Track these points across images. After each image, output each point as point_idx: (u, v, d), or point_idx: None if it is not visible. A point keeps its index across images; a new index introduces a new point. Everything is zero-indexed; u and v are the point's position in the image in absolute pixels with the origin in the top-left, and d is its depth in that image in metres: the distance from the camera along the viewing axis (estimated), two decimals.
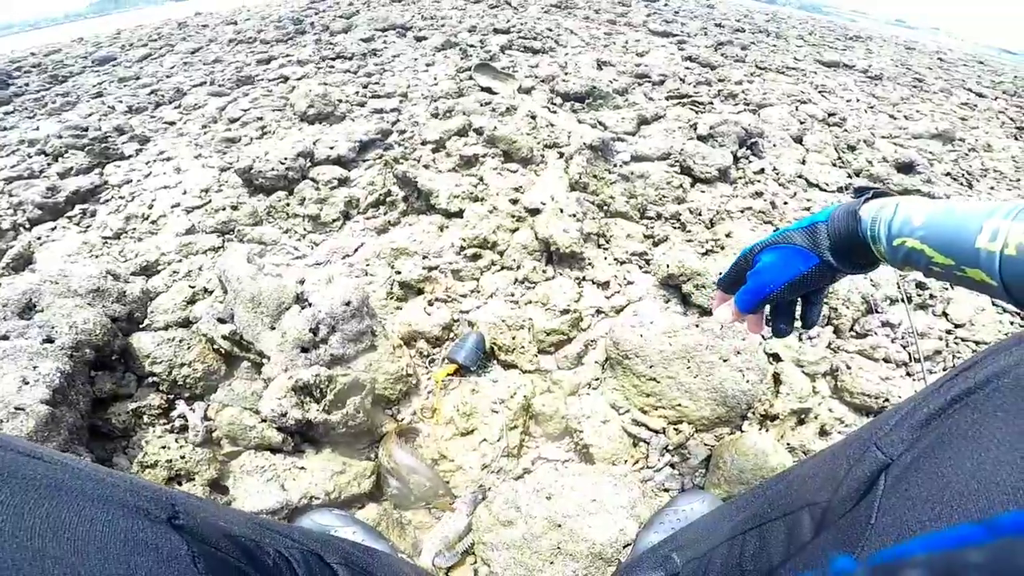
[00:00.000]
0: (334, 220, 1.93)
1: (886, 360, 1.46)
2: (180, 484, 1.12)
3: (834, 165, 2.48)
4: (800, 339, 1.48)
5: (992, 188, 2.66)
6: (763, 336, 1.43)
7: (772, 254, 0.76)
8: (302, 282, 1.31)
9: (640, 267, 1.71)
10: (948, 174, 2.65)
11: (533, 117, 2.36)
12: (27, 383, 1.04)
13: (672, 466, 1.21)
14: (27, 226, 2.01)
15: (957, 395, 0.51)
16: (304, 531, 0.77)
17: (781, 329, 0.81)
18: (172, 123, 2.88)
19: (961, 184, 2.59)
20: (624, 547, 0.99)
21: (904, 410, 0.56)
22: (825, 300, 1.56)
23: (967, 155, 2.96)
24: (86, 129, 2.69)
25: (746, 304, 0.79)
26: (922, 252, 0.59)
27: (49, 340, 1.16)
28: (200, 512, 0.55)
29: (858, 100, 3.68)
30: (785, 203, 2.06)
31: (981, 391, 0.49)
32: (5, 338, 1.14)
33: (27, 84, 3.82)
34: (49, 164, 2.39)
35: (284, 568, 0.63)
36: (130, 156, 2.50)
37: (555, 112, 2.71)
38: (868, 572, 0.17)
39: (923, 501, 0.45)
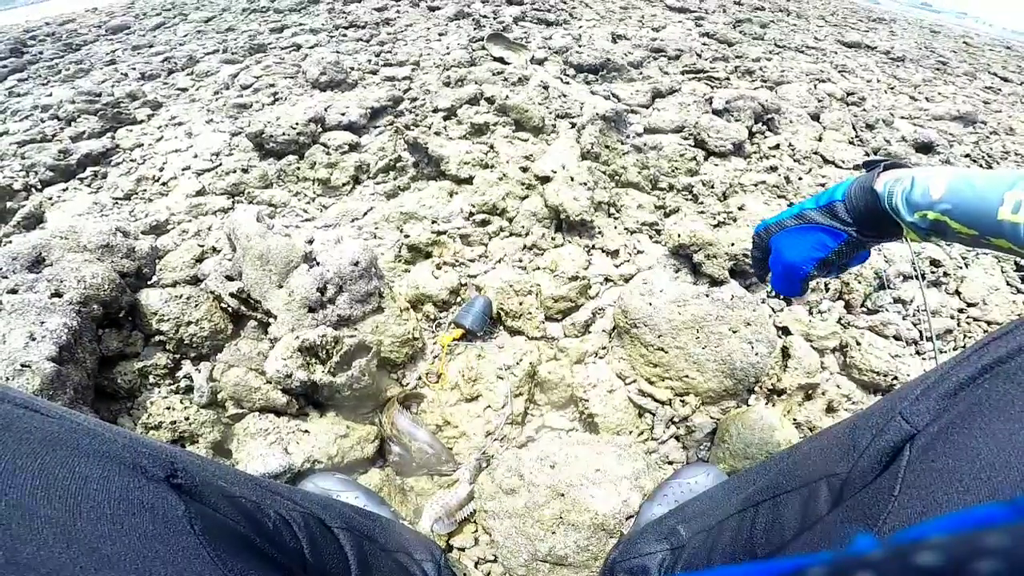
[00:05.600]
0: (344, 184, 1.92)
1: (896, 337, 1.43)
2: (184, 447, 1.11)
3: (851, 143, 2.43)
4: (811, 313, 1.46)
5: None
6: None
7: (796, 235, 0.76)
8: (311, 242, 1.30)
9: (650, 237, 1.69)
10: (968, 155, 2.59)
11: (545, 87, 2.33)
12: (34, 339, 1.03)
13: (677, 438, 1.20)
14: (39, 187, 2.02)
15: (988, 364, 0.49)
16: (306, 495, 0.76)
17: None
18: (184, 89, 2.87)
19: (980, 166, 2.54)
20: (627, 519, 0.97)
21: (932, 379, 0.54)
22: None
23: (988, 138, 2.89)
24: (99, 95, 2.69)
25: (790, 291, 0.81)
26: (946, 223, 0.60)
27: (57, 294, 1.15)
28: (200, 471, 0.54)
29: (878, 81, 3.59)
30: (800, 178, 2.02)
31: (1014, 360, 0.47)
32: (14, 292, 1.13)
33: (41, 52, 3.80)
34: (62, 128, 2.39)
35: (285, 531, 0.62)
36: (142, 121, 2.50)
37: (568, 83, 2.66)
38: (883, 552, 0.16)
39: (950, 473, 0.43)
